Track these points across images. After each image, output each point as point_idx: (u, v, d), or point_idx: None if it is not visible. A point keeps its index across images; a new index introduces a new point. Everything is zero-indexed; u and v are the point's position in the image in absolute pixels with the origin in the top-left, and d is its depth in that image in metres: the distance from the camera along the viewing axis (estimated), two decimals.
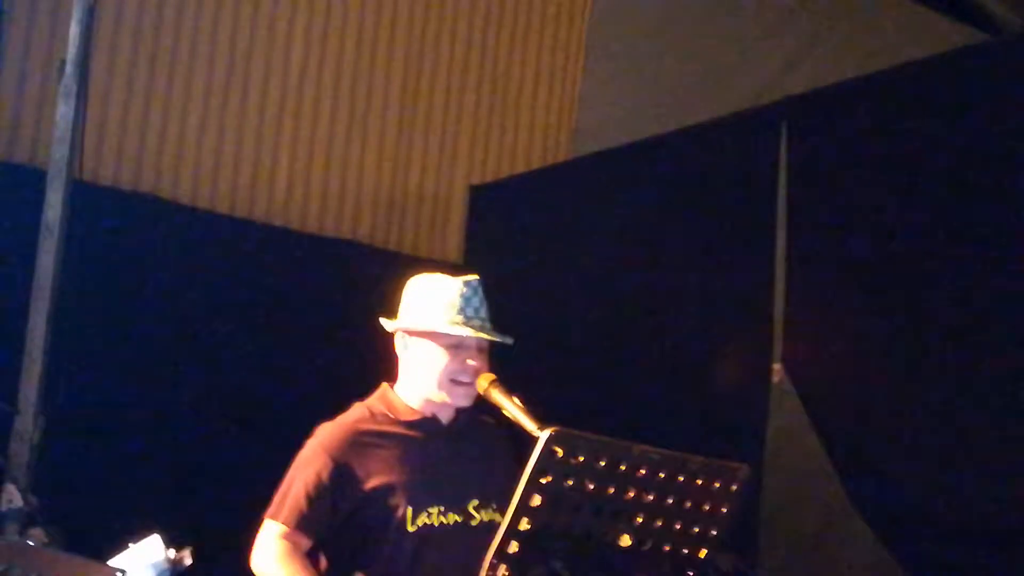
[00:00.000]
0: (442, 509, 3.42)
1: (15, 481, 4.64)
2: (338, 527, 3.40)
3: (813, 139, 5.22)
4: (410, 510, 3.39)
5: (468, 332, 3.45)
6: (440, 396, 3.50)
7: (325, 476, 3.39)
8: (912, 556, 4.61)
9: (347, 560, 3.37)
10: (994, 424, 4.43)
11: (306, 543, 3.38)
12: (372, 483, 3.40)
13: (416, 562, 3.35)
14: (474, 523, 3.46)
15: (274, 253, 6.35)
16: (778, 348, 5.21)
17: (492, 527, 3.37)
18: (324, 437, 3.47)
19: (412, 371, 3.54)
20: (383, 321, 3.60)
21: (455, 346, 3.48)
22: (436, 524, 3.41)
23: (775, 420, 5.13)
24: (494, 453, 3.59)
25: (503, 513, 3.34)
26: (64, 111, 5.14)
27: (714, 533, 2.99)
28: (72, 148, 5.21)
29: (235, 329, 6.01)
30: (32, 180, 5.42)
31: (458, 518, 3.45)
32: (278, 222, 6.55)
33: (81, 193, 5.32)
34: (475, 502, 3.48)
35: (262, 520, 3.42)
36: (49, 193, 5.19)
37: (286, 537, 3.36)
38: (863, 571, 4.85)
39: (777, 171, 5.25)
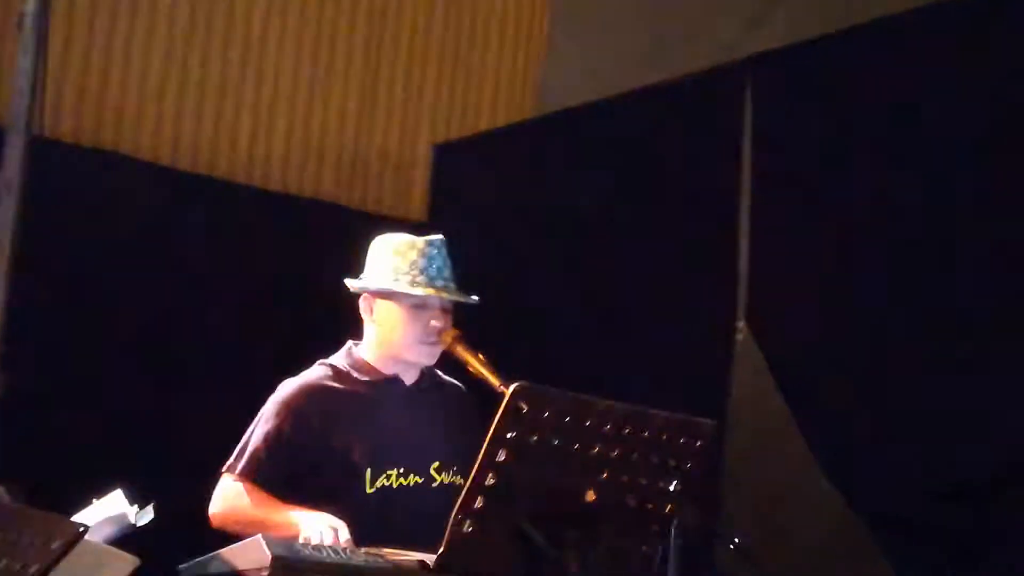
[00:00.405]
0: (402, 471, 3.42)
1: None
2: (295, 485, 3.38)
3: (779, 96, 5.21)
4: (369, 471, 3.39)
5: (431, 292, 3.44)
6: (405, 355, 3.50)
7: (285, 430, 3.38)
8: (877, 515, 4.64)
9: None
10: (960, 382, 4.46)
11: (260, 496, 3.35)
12: (332, 441, 3.39)
13: (374, 523, 3.32)
14: (435, 485, 3.46)
15: (236, 210, 6.30)
16: (742, 306, 5.22)
17: (452, 490, 3.40)
18: (285, 392, 3.46)
19: (376, 331, 3.53)
20: (347, 281, 3.59)
21: (419, 306, 3.47)
22: (395, 486, 3.41)
23: (739, 378, 5.14)
24: (457, 415, 3.59)
25: (464, 476, 3.36)
26: (23, 65, 5.08)
27: (679, 489, 3.01)
28: (31, 103, 5.14)
29: (196, 286, 5.97)
30: None
31: (418, 479, 3.45)
32: (240, 179, 6.50)
33: (40, 149, 5.26)
34: (436, 464, 3.48)
35: (219, 473, 3.41)
36: (8, 149, 5.13)
37: (244, 489, 3.35)
38: (828, 529, 4.87)
39: (742, 127, 5.24)
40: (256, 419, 3.46)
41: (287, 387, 3.48)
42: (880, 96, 4.90)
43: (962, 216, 4.58)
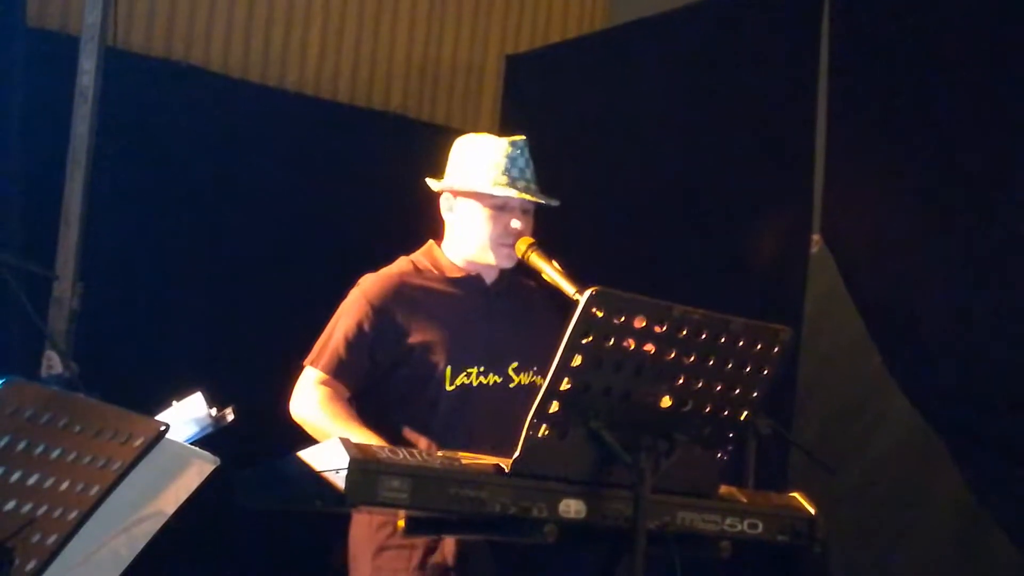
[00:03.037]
0: (481, 369, 3.42)
1: (55, 347, 4.68)
2: (376, 380, 3.40)
3: (859, 5, 5.10)
4: (449, 369, 3.39)
5: (513, 193, 3.43)
6: (484, 256, 3.48)
7: (366, 325, 3.38)
8: (950, 427, 4.61)
9: (383, 415, 3.36)
10: None
11: (344, 392, 3.38)
12: (413, 337, 3.39)
13: (452, 421, 3.36)
14: (512, 385, 3.46)
15: (305, 122, 6.31)
16: (817, 218, 5.16)
17: (530, 390, 3.39)
18: (367, 286, 3.46)
19: (457, 231, 3.52)
20: (429, 181, 3.57)
21: (500, 207, 3.45)
22: (474, 384, 3.41)
23: (813, 290, 5.10)
24: (536, 317, 3.56)
25: (542, 377, 3.36)
26: None
27: (755, 395, 3.00)
28: (104, 14, 5.17)
29: (267, 196, 6.00)
30: (64, 47, 5.38)
31: (497, 379, 3.45)
32: (309, 91, 6.49)
33: (113, 60, 5.29)
34: (515, 364, 3.48)
35: (301, 367, 3.43)
36: (82, 59, 5.17)
37: (325, 383, 3.36)
38: (899, 442, 4.86)
39: (820, 37, 5.15)
40: (337, 312, 3.45)
41: (368, 281, 3.48)
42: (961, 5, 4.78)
43: None
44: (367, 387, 3.41)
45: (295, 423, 3.38)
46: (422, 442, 3.31)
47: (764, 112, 5.40)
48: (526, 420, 2.76)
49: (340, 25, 6.60)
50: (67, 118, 5.22)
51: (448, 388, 3.38)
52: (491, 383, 3.43)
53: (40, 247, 5.05)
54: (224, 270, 5.78)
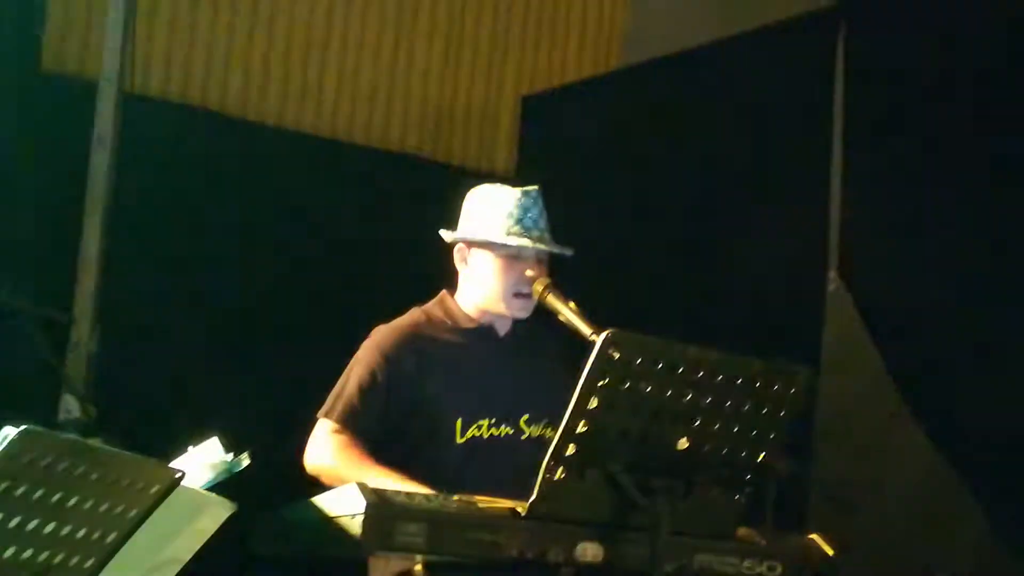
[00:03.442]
0: (493, 421, 3.43)
1: (73, 391, 4.68)
2: (388, 431, 3.40)
3: (871, 40, 5.10)
4: (460, 421, 3.39)
5: (527, 243, 3.44)
6: (499, 307, 3.49)
7: (380, 375, 3.40)
8: (972, 468, 4.58)
9: (395, 467, 3.35)
10: None
11: (358, 441, 3.37)
12: (425, 389, 3.40)
13: (463, 473, 3.34)
14: (524, 438, 3.47)
15: (321, 165, 6.33)
16: (834, 255, 5.14)
17: (541, 442, 3.40)
18: (380, 338, 3.47)
19: (471, 282, 3.53)
20: (442, 232, 3.58)
21: (514, 257, 3.47)
22: (485, 436, 3.42)
23: (831, 328, 5.08)
24: (548, 367, 3.57)
25: (554, 429, 3.35)
26: (114, 19, 5.13)
27: (772, 437, 2.98)
28: (123, 58, 5.21)
29: (283, 240, 6.02)
30: (82, 92, 5.42)
31: (509, 431, 3.45)
32: (325, 133, 6.52)
33: (131, 105, 5.33)
34: (527, 416, 3.48)
35: (315, 419, 3.43)
36: (100, 104, 5.21)
37: (339, 433, 3.37)
38: (920, 482, 4.81)
39: (834, 74, 5.14)
40: (350, 364, 3.47)
41: (381, 332, 3.49)
42: (980, 35, 4.77)
43: None
44: (378, 437, 3.40)
45: (307, 471, 3.38)
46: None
47: (779, 148, 5.40)
48: (541, 465, 2.75)
49: (356, 66, 6.64)
50: (84, 162, 5.25)
51: (459, 440, 3.40)
52: (502, 435, 3.43)
53: (57, 291, 5.07)
54: (241, 314, 5.79)
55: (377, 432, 3.40)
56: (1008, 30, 4.68)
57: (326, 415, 3.42)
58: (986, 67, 4.73)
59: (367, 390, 3.39)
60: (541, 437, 3.45)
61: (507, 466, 3.32)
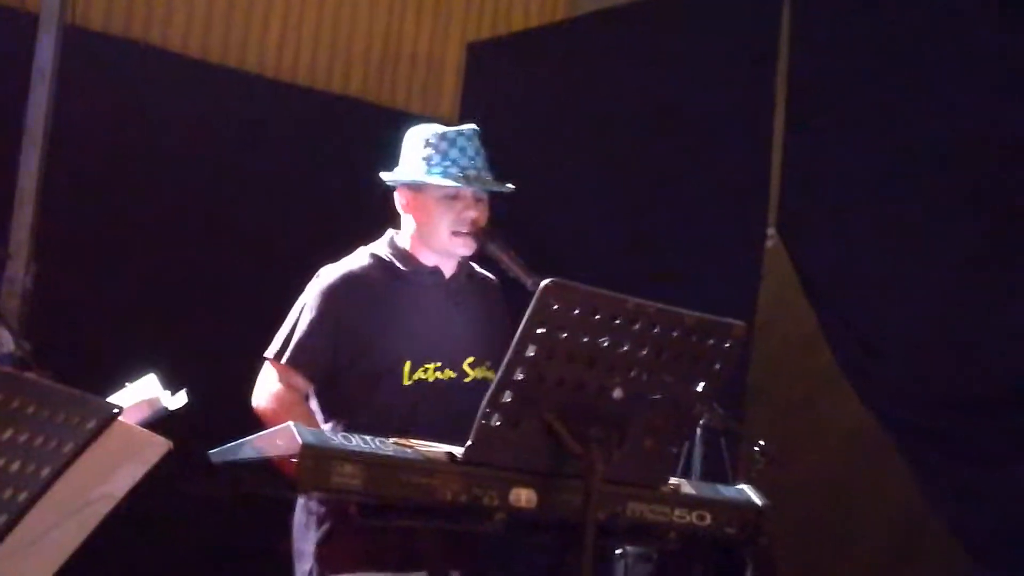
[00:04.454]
0: (439, 365, 3.44)
1: (7, 325, 4.64)
2: (335, 373, 3.40)
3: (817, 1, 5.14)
4: (408, 364, 3.40)
5: (462, 184, 3.44)
6: (440, 246, 3.49)
7: (328, 317, 3.39)
8: (897, 423, 4.66)
9: (342, 409, 3.38)
10: (986, 294, 4.44)
11: (305, 385, 3.40)
12: (373, 330, 3.40)
13: (408, 415, 3.36)
14: (467, 380, 3.49)
15: (264, 104, 6.29)
16: (773, 213, 5.19)
17: (485, 385, 3.38)
18: (327, 279, 3.46)
19: (413, 223, 3.53)
20: (382, 174, 3.58)
21: (451, 197, 3.46)
22: (431, 380, 3.43)
23: (768, 285, 5.13)
24: (492, 311, 3.61)
25: (496, 371, 3.38)
26: None
27: (706, 390, 3.01)
28: None
29: (223, 178, 5.98)
30: (23, 24, 5.34)
31: (452, 374, 3.47)
32: (269, 73, 6.47)
33: (72, 38, 5.25)
34: (470, 359, 3.50)
35: (262, 360, 3.43)
36: (41, 36, 5.13)
37: (287, 378, 3.37)
38: (848, 437, 4.90)
39: (779, 32, 5.18)
40: (298, 305, 3.45)
41: (330, 274, 3.48)
42: (921, 5, 4.82)
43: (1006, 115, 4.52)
44: (326, 380, 3.41)
45: (254, 412, 3.38)
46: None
47: (722, 105, 5.43)
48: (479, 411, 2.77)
49: (301, 8, 6.59)
50: (23, 94, 5.18)
51: (405, 383, 3.40)
52: (447, 378, 3.45)
53: None
54: (180, 252, 5.76)
55: (325, 372, 3.40)
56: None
57: (275, 357, 3.41)
58: (924, 35, 4.77)
59: (317, 330, 3.38)
60: (484, 380, 3.47)
61: (450, 409, 3.33)
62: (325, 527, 3.31)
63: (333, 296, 3.41)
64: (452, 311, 3.52)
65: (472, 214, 3.45)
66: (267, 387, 3.39)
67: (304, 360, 3.37)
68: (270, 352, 3.42)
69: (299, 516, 3.40)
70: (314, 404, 3.46)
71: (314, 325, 3.39)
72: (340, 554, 3.29)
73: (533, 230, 4.20)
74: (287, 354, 3.39)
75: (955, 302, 4.57)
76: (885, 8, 4.93)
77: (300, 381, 3.39)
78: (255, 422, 3.28)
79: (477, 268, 3.64)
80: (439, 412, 3.35)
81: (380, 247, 3.56)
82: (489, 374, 3.46)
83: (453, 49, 7.01)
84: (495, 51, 6.79)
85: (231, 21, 6.36)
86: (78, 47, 5.30)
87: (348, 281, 3.45)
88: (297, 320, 3.42)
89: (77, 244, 5.41)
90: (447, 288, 3.55)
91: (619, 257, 5.44)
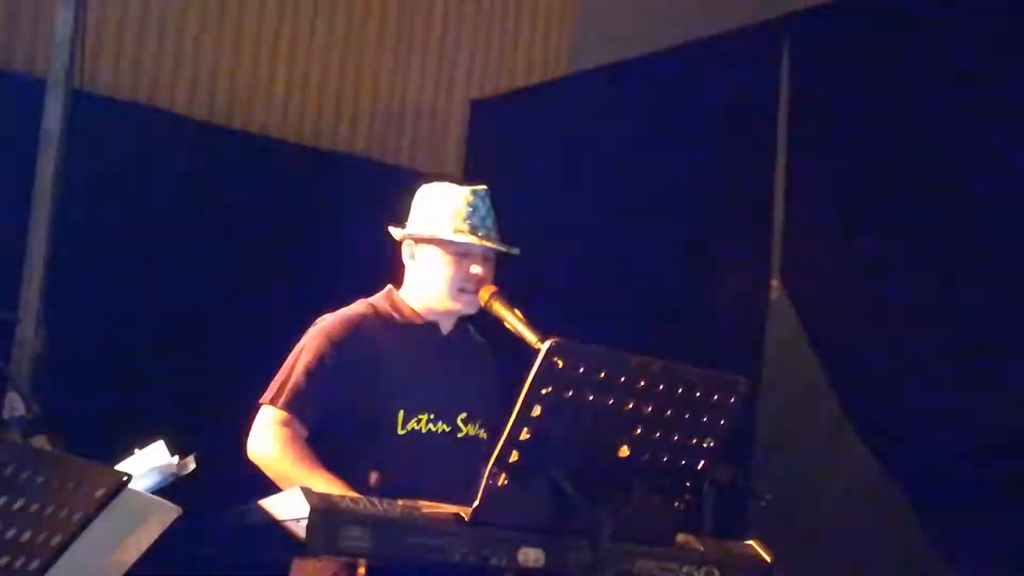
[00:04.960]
0: (432, 416, 3.43)
1: (17, 389, 4.66)
2: (331, 419, 3.38)
3: (817, 52, 5.18)
4: (402, 413, 3.39)
5: (474, 240, 3.46)
6: (445, 304, 3.51)
7: (328, 362, 3.38)
8: (911, 475, 4.65)
9: (336, 455, 3.32)
10: (998, 342, 4.45)
11: (303, 431, 3.36)
12: (369, 378, 3.39)
13: (403, 465, 3.31)
14: (460, 435, 3.48)
15: (270, 165, 6.34)
16: (777, 263, 5.21)
17: (476, 443, 3.44)
18: (327, 326, 3.47)
19: (418, 278, 3.55)
20: (391, 229, 3.61)
21: (461, 254, 3.49)
22: (424, 431, 3.42)
23: (773, 336, 5.14)
24: (486, 372, 3.63)
25: (488, 431, 3.41)
26: (64, 16, 5.11)
27: (712, 445, 3.04)
28: (72, 55, 5.18)
29: (231, 240, 6.01)
30: (30, 88, 5.39)
31: (446, 428, 3.46)
32: (274, 134, 6.52)
33: (80, 102, 5.30)
34: (463, 415, 3.49)
35: (258, 406, 3.41)
36: (48, 101, 5.19)
37: (284, 423, 3.34)
38: (860, 489, 4.88)
39: (779, 84, 5.22)
40: (296, 351, 3.44)
41: (328, 321, 3.48)
42: (920, 54, 4.86)
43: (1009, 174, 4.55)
44: (321, 427, 3.39)
45: (254, 465, 3.36)
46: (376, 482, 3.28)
47: (724, 157, 5.47)
48: (477, 471, 2.79)
49: (305, 68, 6.65)
50: (31, 159, 5.23)
51: (399, 432, 3.39)
52: (439, 431, 3.44)
53: (3, 290, 5.05)
54: (188, 314, 5.78)
55: (321, 419, 3.38)
56: (936, 49, 4.77)
57: (271, 402, 3.38)
58: (930, 81, 4.81)
59: (315, 376, 3.37)
60: (476, 437, 3.48)
61: (442, 462, 3.35)
62: None
63: (331, 342, 3.41)
64: (447, 366, 3.53)
65: (479, 272, 3.47)
66: (265, 431, 3.35)
67: (301, 403, 3.35)
68: (266, 397, 3.40)
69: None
70: None
71: (312, 368, 3.38)
72: None
73: (535, 287, 4.21)
74: (283, 398, 3.36)
75: (964, 349, 4.57)
76: (886, 57, 4.97)
77: (298, 426, 3.36)
78: (266, 481, 3.27)
79: (473, 330, 3.66)
80: (432, 464, 3.35)
81: (380, 300, 3.58)
82: (481, 433, 3.48)
83: (457, 106, 7.07)
84: (498, 107, 6.85)
85: (236, 81, 6.43)
86: (85, 111, 5.34)
87: (346, 328, 3.46)
88: (294, 365, 3.41)
89: (87, 307, 5.43)
90: (444, 343, 3.57)
91: (623, 314, 5.45)
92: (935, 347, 4.65)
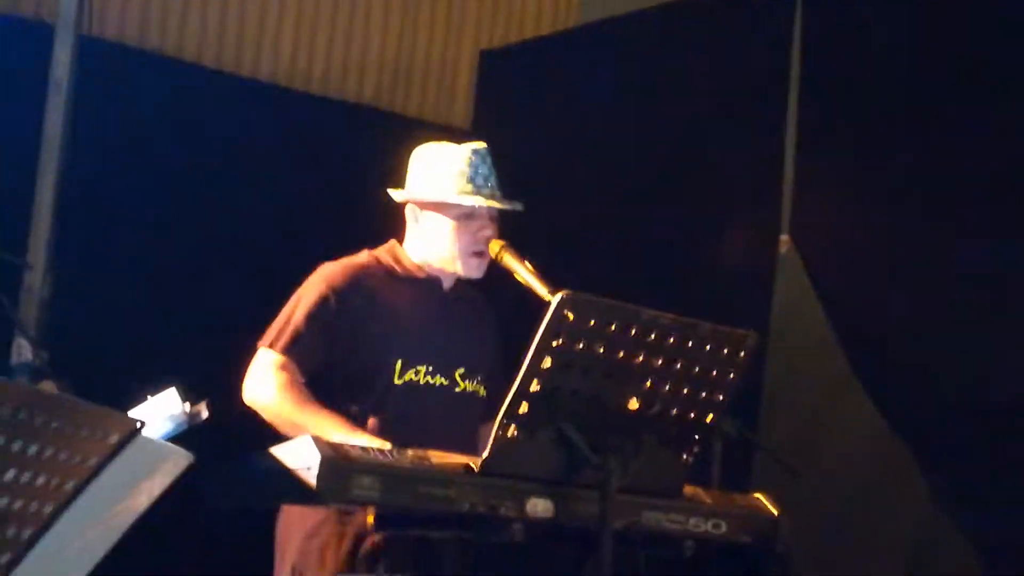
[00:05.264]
0: (430, 369, 3.44)
1: (25, 335, 4.68)
2: (328, 367, 3.39)
3: (828, 10, 5.15)
4: (400, 363, 3.40)
5: (480, 201, 3.45)
6: (453, 267, 3.51)
7: (327, 308, 3.38)
8: (914, 430, 4.67)
9: (333, 403, 3.33)
10: (1003, 300, 4.45)
11: (300, 377, 3.36)
12: (368, 327, 3.41)
13: (399, 415, 3.36)
14: (457, 390, 3.49)
15: (278, 113, 6.31)
16: (786, 219, 5.21)
17: (474, 398, 3.47)
18: (328, 272, 3.47)
19: (422, 239, 3.54)
20: (392, 192, 3.59)
21: (467, 216, 3.48)
22: (422, 382, 3.43)
23: (781, 292, 5.15)
24: (485, 328, 3.65)
25: (485, 387, 3.42)
26: None
27: (720, 399, 3.05)
28: (80, 2, 5.16)
29: (237, 187, 6.00)
30: (38, 34, 5.37)
31: (444, 381, 3.47)
32: (282, 82, 6.49)
33: (87, 48, 5.28)
34: (461, 370, 3.50)
35: (255, 349, 3.41)
36: (57, 48, 5.18)
37: (282, 367, 3.35)
38: (864, 444, 4.91)
39: (792, 38, 5.19)
40: (295, 296, 3.45)
41: (329, 268, 3.49)
42: (934, 8, 4.83)
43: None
44: (319, 374, 3.39)
45: (247, 404, 3.37)
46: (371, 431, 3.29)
47: (734, 112, 5.45)
48: (473, 426, 2.80)
49: (314, 16, 6.60)
50: (40, 104, 5.22)
51: (396, 382, 3.40)
52: (437, 384, 3.45)
53: (12, 236, 5.05)
54: (197, 260, 5.78)
55: (319, 364, 3.39)
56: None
57: (269, 345, 3.38)
58: (936, 39, 4.79)
59: (314, 321, 3.37)
60: (475, 393, 3.50)
61: (438, 415, 3.38)
62: (309, 525, 3.26)
63: (331, 288, 3.41)
64: (447, 321, 3.54)
65: (488, 233, 3.47)
66: (263, 374, 3.35)
67: (299, 348, 3.35)
68: (265, 340, 3.40)
69: (285, 514, 3.34)
70: None
71: (311, 314, 3.38)
72: (324, 551, 3.24)
73: (543, 239, 4.20)
74: (282, 342, 3.36)
75: (970, 308, 4.57)
76: (898, 16, 4.94)
77: (295, 370, 3.36)
78: (274, 433, 3.28)
79: (473, 287, 3.65)
80: (430, 415, 3.38)
81: (382, 252, 3.58)
82: (480, 389, 3.49)
83: (466, 57, 7.03)
84: (507, 58, 6.82)
85: (244, 30, 6.39)
86: (93, 57, 5.32)
87: (346, 276, 3.46)
88: (294, 311, 3.41)
89: (95, 254, 5.43)
90: (445, 299, 3.57)
91: (631, 267, 5.45)
92: (943, 304, 4.65)
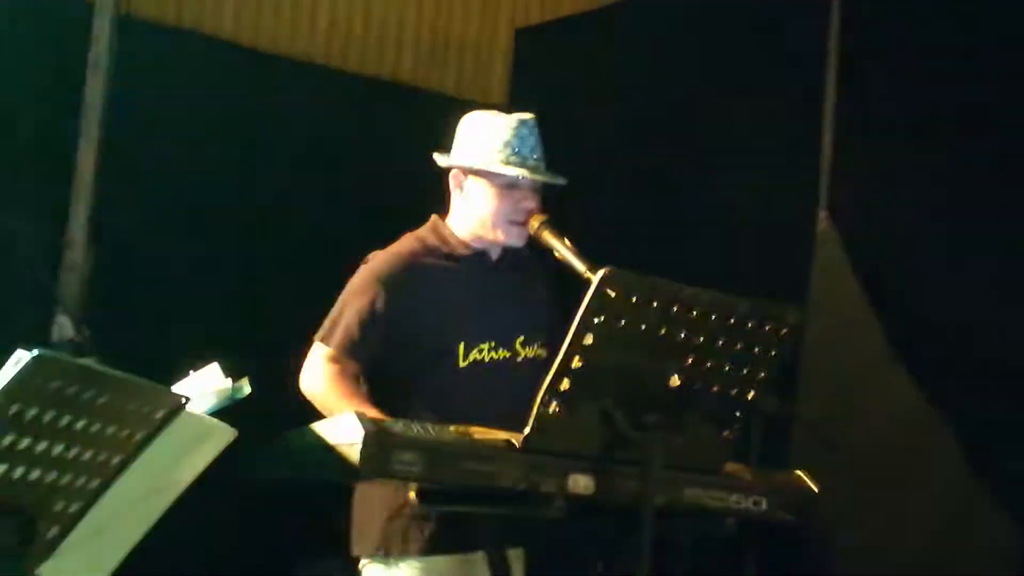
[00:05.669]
0: (492, 345, 3.45)
1: (67, 312, 4.72)
2: (387, 359, 3.42)
3: None
4: (462, 346, 3.42)
5: (524, 173, 3.44)
6: (494, 235, 3.50)
7: (379, 304, 3.40)
8: (951, 404, 4.66)
9: (394, 394, 3.37)
10: None
11: (354, 370, 3.39)
12: (424, 316, 3.42)
13: (464, 396, 3.38)
14: (520, 359, 3.50)
15: (315, 92, 6.33)
16: (824, 194, 5.19)
17: (536, 363, 3.45)
18: (377, 265, 3.47)
19: (465, 207, 3.54)
20: (437, 157, 3.59)
21: (510, 186, 3.47)
22: (486, 360, 3.45)
23: (819, 265, 5.13)
24: (538, 290, 3.64)
25: (547, 349, 3.42)
26: None
27: (762, 375, 3.03)
28: None
29: (276, 166, 6.03)
30: (78, 12, 5.39)
31: (506, 354, 3.48)
32: (319, 60, 6.51)
33: (126, 28, 5.31)
34: (521, 338, 3.51)
35: (311, 341, 3.44)
36: (95, 27, 5.19)
37: (334, 360, 3.38)
38: (901, 419, 4.90)
39: (830, 12, 5.17)
40: (348, 289, 3.46)
41: (379, 260, 3.49)
42: None
43: None
44: (376, 366, 3.42)
45: (303, 394, 3.42)
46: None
47: (772, 86, 5.43)
48: (535, 395, 2.80)
49: None
50: (79, 83, 5.25)
51: (461, 365, 3.41)
52: (501, 358, 3.46)
53: (54, 214, 5.09)
54: (237, 240, 5.81)
55: (375, 359, 3.41)
56: None
57: (323, 340, 3.42)
58: (976, 13, 4.75)
59: (366, 320, 3.39)
60: (536, 358, 3.50)
61: (506, 388, 3.37)
62: (393, 505, 3.31)
63: (381, 283, 3.42)
64: (499, 292, 3.53)
65: (530, 204, 3.46)
66: (317, 369, 3.40)
67: (353, 345, 3.38)
68: (320, 334, 3.43)
69: (367, 491, 3.39)
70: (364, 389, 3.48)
71: (363, 311, 3.39)
72: (407, 532, 3.31)
73: (582, 216, 4.20)
74: (335, 338, 3.39)
75: (1010, 283, 4.55)
76: None
77: (350, 364, 3.39)
78: (314, 409, 3.31)
79: (519, 250, 3.63)
80: (496, 392, 3.37)
81: (427, 233, 3.58)
82: (540, 352, 3.50)
83: (502, 35, 7.03)
84: (544, 36, 6.80)
85: (280, 8, 6.41)
86: (132, 35, 5.35)
87: (396, 266, 3.46)
88: (346, 305, 3.43)
89: (135, 231, 5.47)
90: (494, 271, 3.56)
91: (670, 243, 5.44)
92: (981, 278, 4.63)
